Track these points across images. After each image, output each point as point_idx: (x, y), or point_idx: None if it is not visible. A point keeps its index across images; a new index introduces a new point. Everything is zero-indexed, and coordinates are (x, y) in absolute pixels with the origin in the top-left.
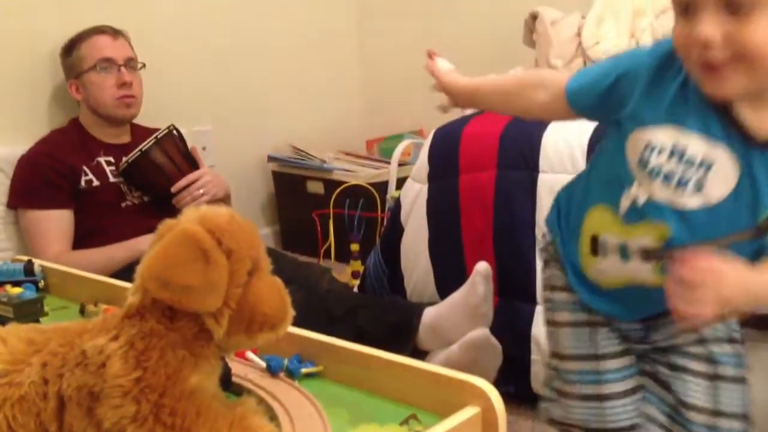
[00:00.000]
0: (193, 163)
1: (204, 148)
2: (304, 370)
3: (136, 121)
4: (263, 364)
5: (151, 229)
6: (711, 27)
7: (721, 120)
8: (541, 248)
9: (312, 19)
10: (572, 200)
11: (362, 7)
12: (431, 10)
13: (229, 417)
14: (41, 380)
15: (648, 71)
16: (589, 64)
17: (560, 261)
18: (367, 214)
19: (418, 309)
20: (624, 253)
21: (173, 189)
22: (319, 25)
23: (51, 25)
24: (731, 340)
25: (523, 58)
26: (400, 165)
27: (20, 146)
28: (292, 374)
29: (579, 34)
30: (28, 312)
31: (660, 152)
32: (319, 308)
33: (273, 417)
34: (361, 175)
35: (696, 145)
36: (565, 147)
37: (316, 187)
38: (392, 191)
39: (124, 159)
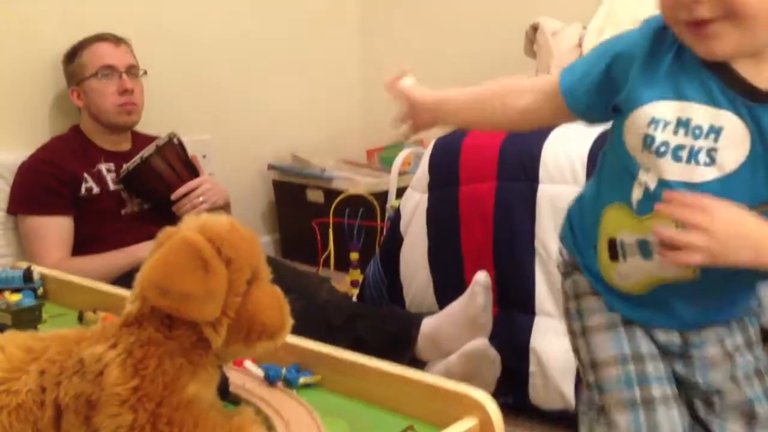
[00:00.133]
0: (193, 171)
1: (204, 156)
2: (302, 380)
3: (137, 128)
4: (261, 373)
5: (150, 237)
6: None
7: (722, 83)
8: (559, 264)
9: (313, 29)
10: (584, 210)
11: (364, 16)
12: (433, 20)
13: (227, 426)
14: (39, 388)
15: (641, 49)
16: None
17: (582, 271)
18: (366, 223)
19: (416, 319)
20: (644, 250)
21: (173, 197)
22: (320, 35)
23: (53, 32)
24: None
25: (524, 69)
26: (400, 174)
27: (21, 153)
28: (290, 384)
29: (580, 45)
30: (27, 319)
31: (665, 127)
32: (318, 317)
33: (270, 427)
34: (361, 184)
35: (700, 113)
36: (565, 158)
37: (316, 196)
38: (392, 201)
39: (125, 166)
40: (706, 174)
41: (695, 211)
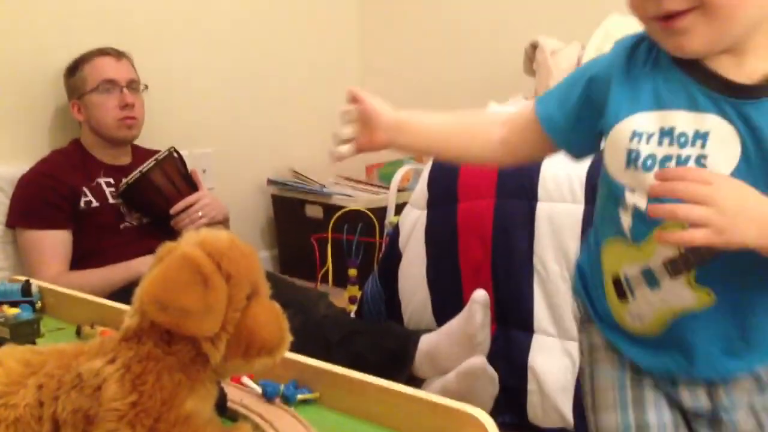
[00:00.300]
0: (192, 186)
1: (204, 171)
2: (300, 396)
3: (137, 142)
4: (259, 389)
5: (149, 251)
6: None
7: (702, 85)
8: (575, 318)
9: (314, 44)
10: (590, 256)
11: (364, 33)
12: (432, 38)
13: None
14: (36, 402)
15: (616, 68)
16: None
17: (595, 324)
18: (365, 239)
19: (414, 336)
20: (650, 279)
21: (172, 211)
22: (320, 50)
23: (54, 45)
24: None
25: (522, 87)
26: (399, 191)
27: (21, 166)
28: (288, 400)
29: (579, 64)
30: (25, 333)
31: (648, 139)
32: (316, 333)
33: None
34: (360, 200)
35: (683, 120)
36: (564, 177)
37: (315, 212)
38: (391, 217)
39: (124, 180)
40: None
41: (696, 183)
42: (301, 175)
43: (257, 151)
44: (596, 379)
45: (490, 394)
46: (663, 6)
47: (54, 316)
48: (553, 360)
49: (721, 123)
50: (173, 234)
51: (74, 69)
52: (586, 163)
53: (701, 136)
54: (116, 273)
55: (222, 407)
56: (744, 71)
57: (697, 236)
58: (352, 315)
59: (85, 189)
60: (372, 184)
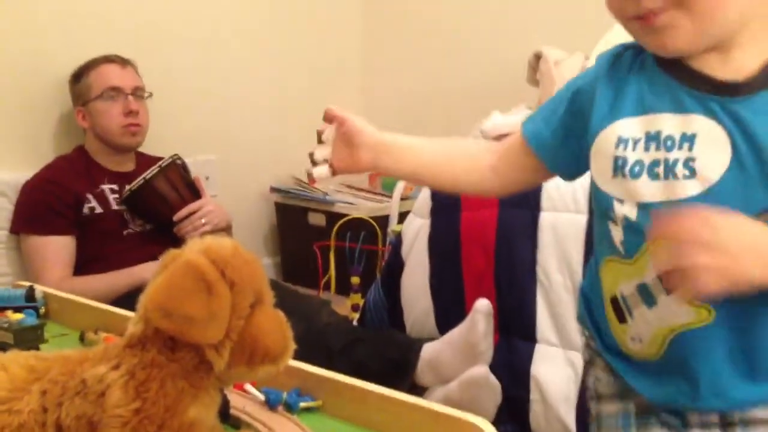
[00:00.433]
0: (195, 193)
1: (207, 178)
2: (302, 404)
3: (141, 149)
4: (262, 397)
5: (152, 257)
6: None
7: (687, 85)
8: (583, 345)
9: (317, 53)
10: (591, 280)
11: (367, 41)
12: (435, 47)
13: None
14: (40, 408)
15: (600, 79)
16: None
17: (603, 357)
18: (368, 248)
19: (417, 344)
20: (646, 295)
21: (175, 218)
22: (324, 59)
23: (59, 52)
24: None
25: (526, 97)
26: (402, 199)
27: (25, 172)
28: (290, 408)
29: None
30: (29, 338)
31: (635, 144)
32: (319, 341)
33: None
34: (363, 208)
35: (669, 123)
36: (568, 186)
37: (317, 219)
38: (393, 225)
39: (128, 187)
40: (687, 188)
41: (692, 225)
42: (304, 182)
43: (260, 159)
44: (602, 421)
45: (492, 403)
46: (642, 4)
47: (58, 321)
48: (555, 370)
49: (708, 123)
50: (176, 241)
51: (79, 76)
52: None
53: (688, 139)
54: (119, 279)
55: (225, 414)
56: (731, 68)
57: (707, 284)
58: (355, 323)
59: (89, 195)
60: (375, 193)
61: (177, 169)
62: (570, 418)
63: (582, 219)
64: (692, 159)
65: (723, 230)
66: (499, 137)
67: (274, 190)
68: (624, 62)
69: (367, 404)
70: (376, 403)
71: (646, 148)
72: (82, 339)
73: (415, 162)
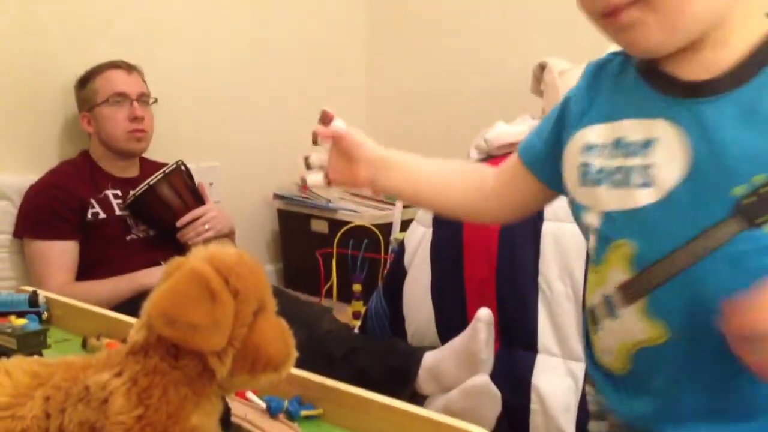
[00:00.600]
0: (199, 199)
1: (211, 184)
2: (303, 413)
3: (145, 155)
4: (263, 404)
5: (155, 263)
6: None
7: (656, 89)
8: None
9: (320, 61)
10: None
11: (371, 50)
12: (439, 56)
13: None
14: (44, 414)
15: (585, 88)
16: None
17: (589, 371)
18: (370, 255)
19: (418, 353)
20: (610, 307)
21: (178, 224)
22: (327, 67)
23: (64, 57)
24: None
25: (530, 107)
26: (405, 207)
27: (30, 176)
28: (291, 416)
29: None
30: (32, 344)
31: (601, 151)
32: (320, 349)
33: None
34: (366, 215)
35: (633, 128)
36: None
37: (320, 227)
38: (396, 233)
39: (131, 192)
40: (642, 197)
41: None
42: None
43: (264, 166)
44: None
45: (493, 412)
46: (607, 0)
47: (60, 327)
48: (556, 380)
49: (669, 128)
50: (179, 246)
51: (85, 81)
52: None
53: (648, 144)
54: (121, 284)
55: (226, 422)
56: (701, 67)
57: None
58: (356, 331)
59: (92, 200)
60: (378, 201)
61: (181, 175)
62: (570, 429)
63: None
64: (649, 165)
65: None
66: (503, 147)
67: (277, 196)
68: (610, 69)
69: (368, 413)
70: (377, 412)
71: (611, 155)
72: (84, 345)
73: (415, 182)
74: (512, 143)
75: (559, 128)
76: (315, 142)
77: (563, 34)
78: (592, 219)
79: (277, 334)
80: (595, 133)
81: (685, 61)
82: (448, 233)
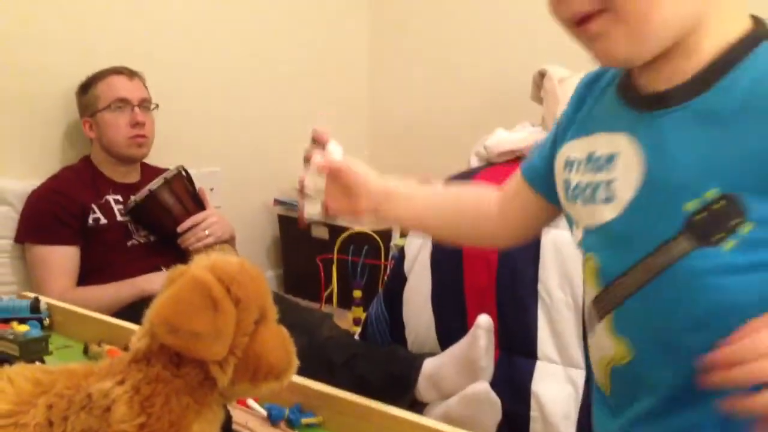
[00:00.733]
0: (200, 205)
1: (212, 189)
2: (304, 420)
3: (146, 160)
4: (264, 412)
5: (155, 268)
6: None
7: (625, 102)
8: None
9: (322, 67)
10: None
11: (372, 56)
12: (440, 64)
13: None
14: (46, 422)
15: (575, 100)
16: None
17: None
18: (370, 262)
19: (417, 360)
20: (590, 322)
21: (179, 229)
22: (329, 73)
23: (65, 63)
24: None
25: (530, 114)
26: None
27: (31, 181)
28: (292, 424)
29: None
30: (34, 350)
31: (578, 167)
32: (320, 355)
33: None
34: (366, 222)
35: (602, 142)
36: None
37: (320, 233)
38: (396, 239)
39: (132, 198)
40: (605, 213)
41: (748, 358)
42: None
43: (265, 171)
44: None
45: (492, 420)
46: (570, 8)
47: (61, 333)
48: (556, 387)
49: (628, 141)
50: (180, 252)
51: (87, 87)
52: None
53: (611, 159)
54: (122, 290)
55: (227, 430)
56: (668, 77)
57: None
58: (356, 337)
59: (94, 206)
60: None
61: (181, 181)
62: None
63: None
64: (611, 180)
65: None
66: (503, 154)
67: (277, 202)
68: (603, 81)
69: (369, 421)
70: (378, 421)
71: (584, 171)
72: (86, 351)
73: (418, 212)
74: (512, 150)
75: (554, 143)
76: (312, 171)
77: (563, 41)
78: (577, 234)
79: (279, 343)
80: (575, 148)
81: (655, 71)
82: None
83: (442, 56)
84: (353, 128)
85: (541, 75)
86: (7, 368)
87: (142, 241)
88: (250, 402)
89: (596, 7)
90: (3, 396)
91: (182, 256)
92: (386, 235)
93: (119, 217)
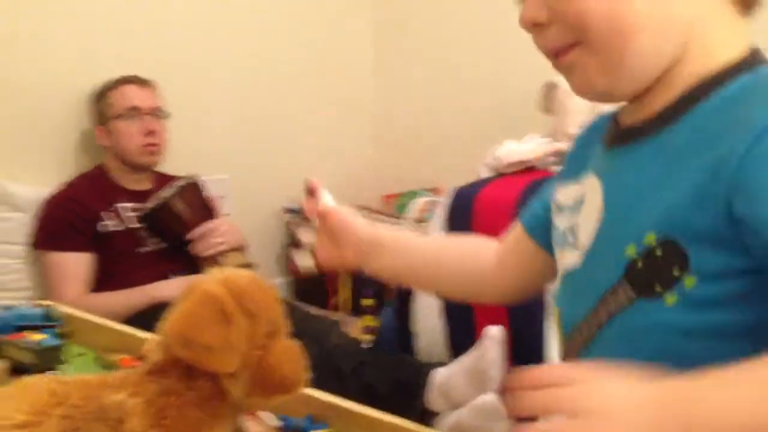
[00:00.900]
0: (211, 213)
1: (222, 197)
2: None
3: (157, 168)
4: (277, 423)
5: (166, 276)
6: (533, 5)
7: (604, 143)
8: None
9: (329, 76)
10: None
11: (378, 64)
12: (448, 74)
13: None
14: None
15: (576, 144)
16: None
17: None
18: None
19: (426, 369)
20: None
21: (190, 237)
22: (336, 82)
23: (79, 71)
24: None
25: (539, 126)
26: (416, 222)
27: (45, 188)
28: None
29: (595, 105)
30: (49, 359)
31: (563, 211)
32: (329, 363)
33: None
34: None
35: (576, 186)
36: None
37: None
38: None
39: (145, 206)
40: (571, 260)
41: (553, 385)
42: None
43: (274, 179)
44: None
45: (502, 431)
46: (545, 41)
47: (75, 341)
48: None
49: (593, 182)
50: (190, 259)
51: (101, 95)
52: None
53: (580, 202)
54: (133, 297)
55: None
56: (639, 112)
57: None
58: (369, 345)
59: (106, 213)
60: (389, 215)
61: (193, 189)
62: None
63: None
64: (576, 226)
65: (587, 390)
66: (512, 164)
67: (287, 210)
68: (600, 126)
69: None
70: None
71: (569, 214)
72: (98, 360)
73: (409, 264)
74: (522, 161)
75: (553, 189)
76: (307, 191)
77: None
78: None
79: (290, 356)
80: (563, 193)
81: (633, 107)
82: None
83: (446, 57)
84: (357, 139)
85: (550, 86)
86: (23, 379)
87: (152, 248)
88: (262, 413)
89: (569, 40)
90: (19, 407)
91: (192, 263)
92: None
93: (131, 225)
